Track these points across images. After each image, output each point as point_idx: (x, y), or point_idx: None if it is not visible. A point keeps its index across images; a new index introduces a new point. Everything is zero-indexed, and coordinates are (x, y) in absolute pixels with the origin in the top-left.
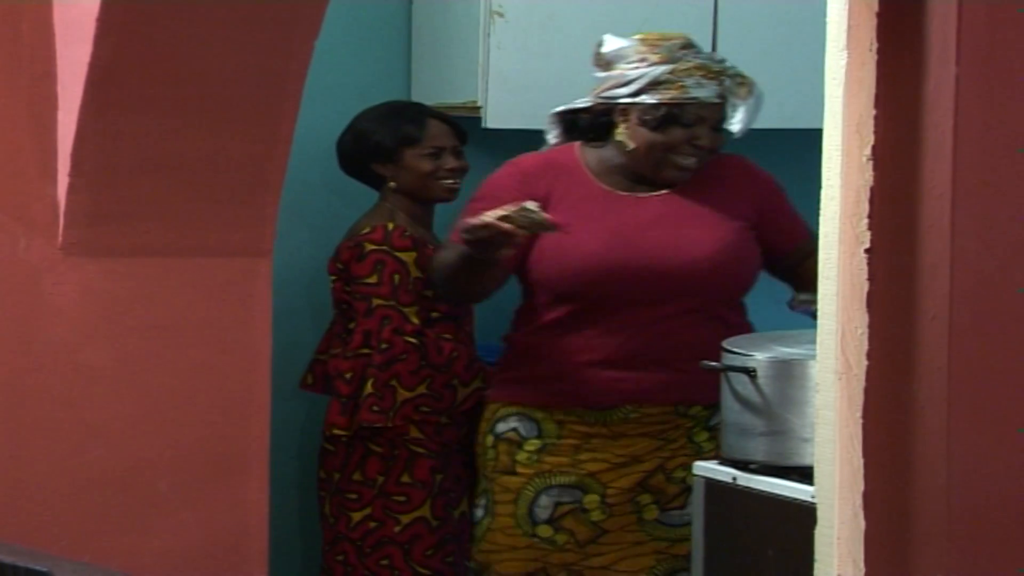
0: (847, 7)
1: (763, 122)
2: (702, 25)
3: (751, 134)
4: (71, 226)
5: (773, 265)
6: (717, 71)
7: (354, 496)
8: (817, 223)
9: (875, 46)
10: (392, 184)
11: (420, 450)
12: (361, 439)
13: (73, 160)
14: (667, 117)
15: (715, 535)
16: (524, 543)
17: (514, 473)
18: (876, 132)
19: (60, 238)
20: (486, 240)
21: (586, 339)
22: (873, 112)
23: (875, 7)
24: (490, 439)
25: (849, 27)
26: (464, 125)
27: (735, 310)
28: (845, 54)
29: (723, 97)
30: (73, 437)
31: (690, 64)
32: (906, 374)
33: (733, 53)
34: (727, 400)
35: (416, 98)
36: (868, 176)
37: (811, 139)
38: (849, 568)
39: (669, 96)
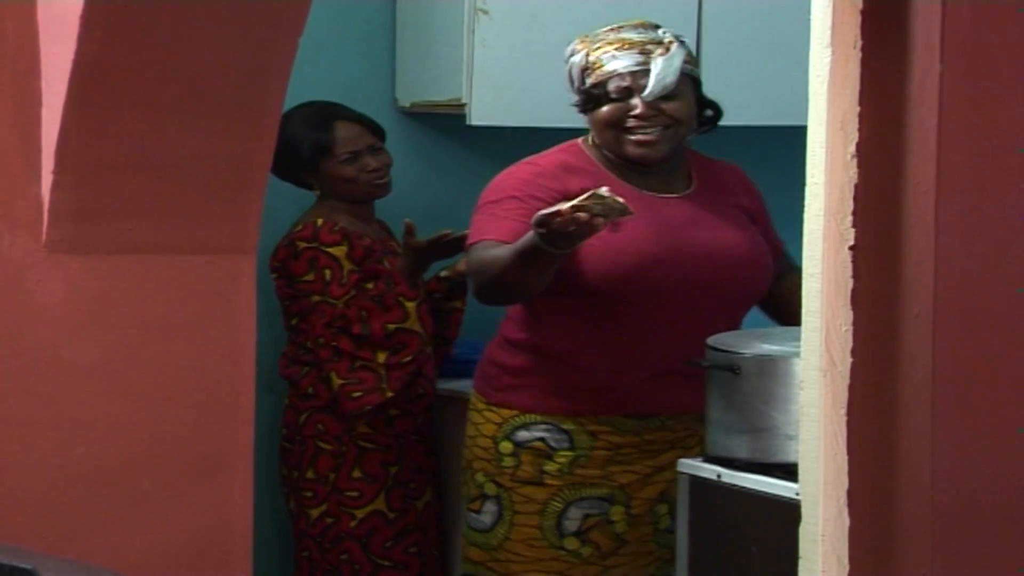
0: (831, 4)
1: (748, 119)
2: (686, 22)
3: (735, 131)
4: (55, 223)
5: None
6: (639, 41)
7: (309, 494)
8: (802, 220)
9: (859, 43)
10: (317, 192)
11: (368, 445)
12: (311, 437)
13: (57, 157)
14: (592, 98)
15: (699, 532)
16: (549, 555)
17: (541, 484)
18: (860, 129)
19: (44, 235)
20: (562, 232)
21: (626, 348)
22: (857, 109)
23: (859, 4)
24: (508, 446)
25: (833, 24)
26: (449, 122)
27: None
28: (829, 51)
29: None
30: (57, 435)
31: (605, 41)
32: (890, 371)
33: (717, 50)
34: (712, 397)
35: (401, 95)
36: (852, 173)
37: (795, 136)
38: (833, 565)
39: (592, 78)
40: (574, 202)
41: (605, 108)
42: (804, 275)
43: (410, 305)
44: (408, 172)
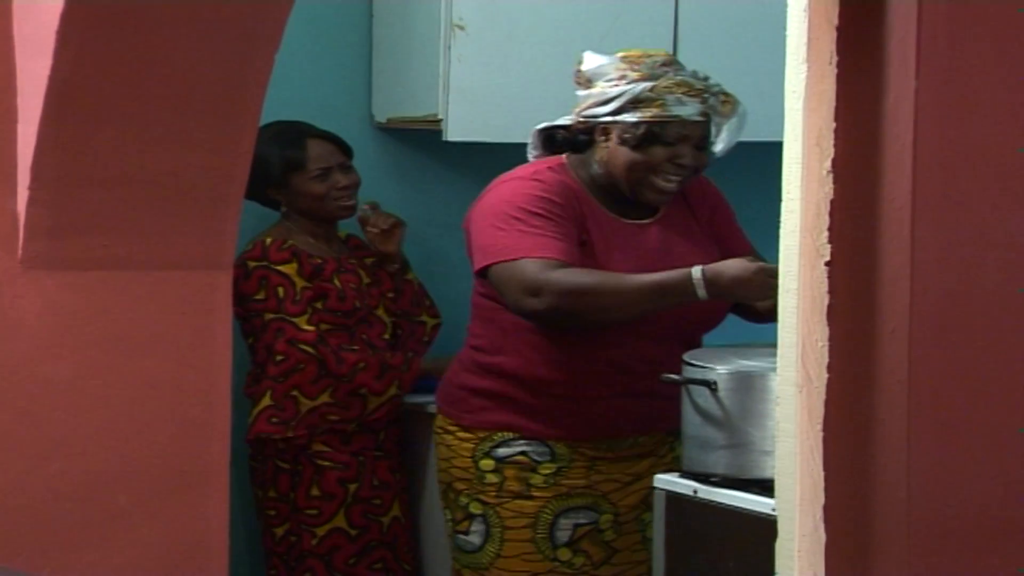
0: (807, 20)
1: None
2: (662, 39)
3: None
4: (31, 239)
5: None
6: (700, 88)
7: (273, 512)
8: (777, 236)
9: (835, 59)
10: (284, 209)
11: (325, 463)
12: (270, 456)
13: (33, 173)
14: (648, 135)
15: (676, 548)
16: (544, 568)
17: (529, 497)
18: (836, 145)
19: (20, 251)
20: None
21: (595, 372)
22: (833, 125)
23: (835, 20)
24: (489, 463)
25: (809, 40)
26: (425, 138)
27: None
28: (805, 67)
29: (706, 115)
30: (33, 451)
31: (671, 81)
32: (866, 387)
33: (693, 67)
34: (688, 413)
35: (377, 111)
36: (828, 189)
37: (771, 152)
38: None
39: (650, 114)
40: None
41: (654, 150)
42: (780, 291)
43: (378, 400)
44: (384, 187)
